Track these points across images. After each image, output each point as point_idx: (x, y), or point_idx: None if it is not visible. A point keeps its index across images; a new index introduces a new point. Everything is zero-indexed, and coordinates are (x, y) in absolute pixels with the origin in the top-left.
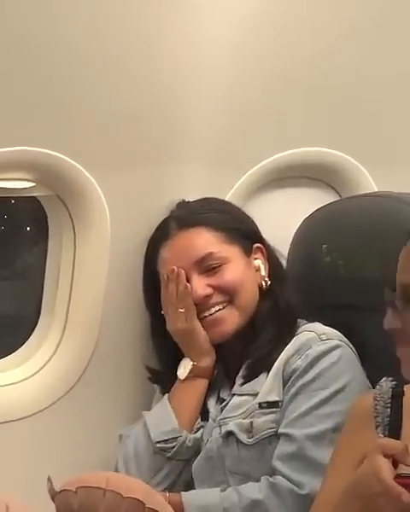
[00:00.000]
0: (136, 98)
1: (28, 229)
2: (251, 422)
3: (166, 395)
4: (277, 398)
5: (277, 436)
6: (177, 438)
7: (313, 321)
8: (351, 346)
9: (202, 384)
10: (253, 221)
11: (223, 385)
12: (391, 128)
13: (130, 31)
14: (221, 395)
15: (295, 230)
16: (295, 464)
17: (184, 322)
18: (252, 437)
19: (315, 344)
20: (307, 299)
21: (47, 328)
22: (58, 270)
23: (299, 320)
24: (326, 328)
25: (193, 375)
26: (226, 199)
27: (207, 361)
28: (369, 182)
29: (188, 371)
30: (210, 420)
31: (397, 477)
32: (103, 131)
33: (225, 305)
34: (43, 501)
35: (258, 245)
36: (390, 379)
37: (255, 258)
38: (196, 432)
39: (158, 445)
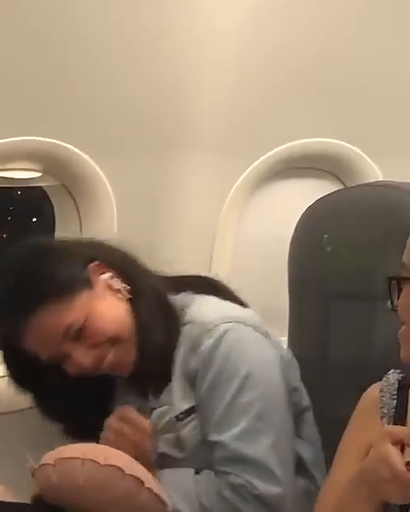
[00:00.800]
0: (143, 88)
1: (34, 219)
2: (177, 436)
3: None
4: (190, 405)
5: (204, 441)
6: None
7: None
8: (245, 319)
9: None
10: (78, 244)
11: (138, 403)
12: (397, 119)
13: (138, 23)
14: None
15: None
16: (237, 467)
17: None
18: (183, 451)
19: (204, 338)
20: (308, 288)
21: None
22: None
23: (183, 295)
24: (210, 307)
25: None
26: (233, 189)
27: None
28: (375, 172)
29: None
30: None
31: (407, 464)
32: (110, 121)
33: (111, 349)
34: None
35: (92, 265)
36: (398, 371)
37: (101, 275)
38: None
39: None
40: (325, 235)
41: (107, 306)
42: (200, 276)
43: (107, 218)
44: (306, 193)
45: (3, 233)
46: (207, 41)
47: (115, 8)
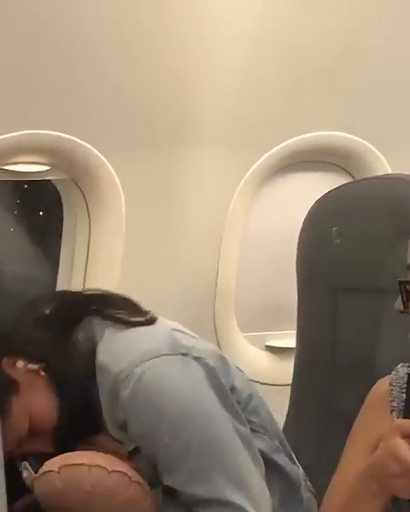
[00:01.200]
0: (151, 82)
1: (41, 213)
2: (136, 468)
3: None
4: (133, 447)
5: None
6: None
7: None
8: (156, 346)
9: None
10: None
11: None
12: (406, 112)
13: (146, 15)
14: None
15: None
16: (203, 509)
17: None
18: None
19: (120, 389)
20: (317, 281)
21: None
22: (73, 253)
23: (88, 326)
24: (119, 349)
25: None
26: (242, 182)
27: None
28: (384, 166)
29: None
30: None
31: None
32: (118, 114)
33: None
34: None
35: (6, 361)
36: (408, 365)
37: (15, 365)
38: None
39: None
40: (334, 229)
41: (22, 403)
42: (101, 295)
43: (115, 211)
44: (314, 186)
45: (10, 227)
46: (215, 35)
47: (123, 2)
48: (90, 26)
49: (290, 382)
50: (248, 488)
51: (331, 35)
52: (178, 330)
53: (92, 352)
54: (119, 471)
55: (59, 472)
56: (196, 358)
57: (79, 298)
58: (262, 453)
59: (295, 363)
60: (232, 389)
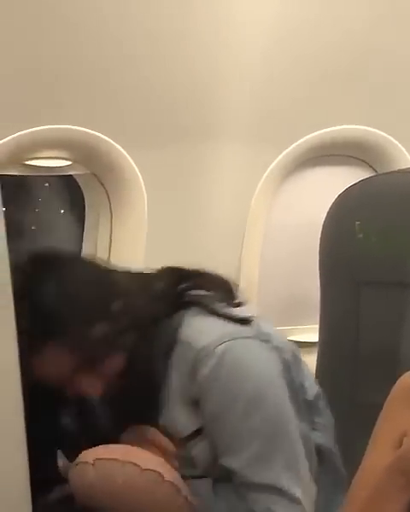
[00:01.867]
0: (173, 77)
1: (62, 211)
2: (190, 457)
3: None
4: (196, 427)
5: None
6: None
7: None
8: (237, 330)
9: None
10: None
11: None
12: None
13: (168, 12)
14: None
15: None
16: (254, 494)
17: None
18: (196, 469)
19: (200, 365)
20: (339, 275)
21: None
22: (95, 248)
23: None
24: (204, 327)
25: None
26: (264, 177)
27: None
28: (407, 159)
29: None
30: None
31: None
32: (140, 110)
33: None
34: None
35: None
36: None
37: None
38: None
39: None
40: (357, 223)
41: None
42: (201, 274)
43: (137, 206)
44: (337, 180)
45: (32, 225)
46: (237, 33)
47: (149, 1)
48: (115, 24)
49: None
50: (302, 480)
51: (352, 29)
52: (261, 318)
53: (179, 325)
54: (151, 470)
55: (93, 464)
56: (275, 348)
57: (184, 274)
58: (321, 452)
59: (317, 357)
60: (301, 386)
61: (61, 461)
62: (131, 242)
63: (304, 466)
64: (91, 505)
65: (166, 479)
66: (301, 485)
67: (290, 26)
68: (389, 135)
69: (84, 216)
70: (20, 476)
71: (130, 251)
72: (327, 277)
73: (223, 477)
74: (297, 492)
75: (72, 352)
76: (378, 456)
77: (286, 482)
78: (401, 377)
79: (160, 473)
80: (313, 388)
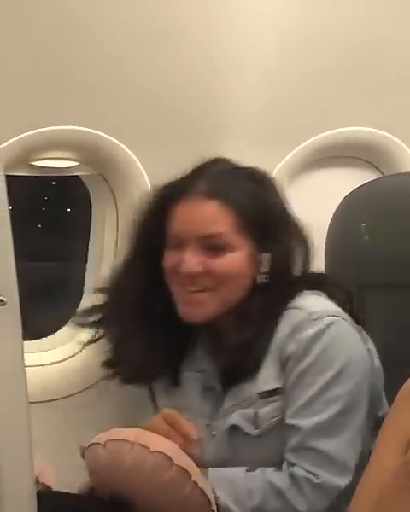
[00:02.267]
0: (180, 77)
1: (69, 210)
2: (255, 412)
3: None
4: (277, 386)
5: (283, 423)
6: None
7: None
8: (345, 317)
9: None
10: (283, 208)
11: (207, 369)
12: None
13: (176, 10)
14: (207, 382)
15: None
16: (305, 455)
17: None
18: (258, 427)
19: (307, 326)
20: (346, 276)
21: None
22: (102, 248)
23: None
24: (316, 300)
25: None
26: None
27: None
28: None
29: None
30: (196, 415)
31: None
32: (146, 110)
33: (208, 289)
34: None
35: (273, 239)
36: None
37: (264, 252)
38: None
39: None
40: (363, 224)
41: (245, 267)
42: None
43: None
44: (343, 182)
45: (38, 223)
46: (246, 28)
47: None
48: (122, 24)
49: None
50: (355, 459)
51: (361, 31)
52: None
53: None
54: (160, 452)
55: (104, 445)
56: (364, 340)
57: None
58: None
59: None
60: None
61: (81, 442)
62: None
63: (358, 452)
64: (104, 486)
65: (175, 463)
66: (353, 465)
67: (298, 26)
68: (396, 137)
69: (90, 213)
70: (26, 478)
71: None
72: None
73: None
74: (351, 467)
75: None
76: (385, 459)
77: (346, 455)
78: (408, 380)
79: (168, 456)
80: (380, 384)
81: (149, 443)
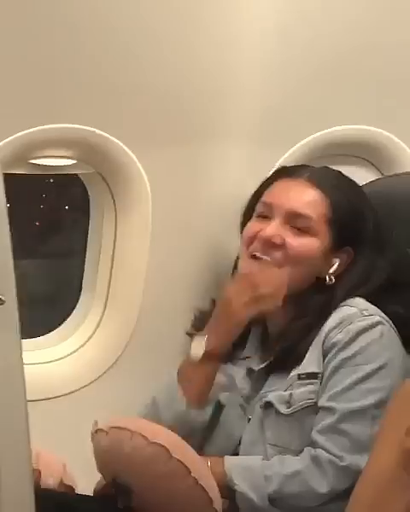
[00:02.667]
0: (178, 75)
1: (67, 208)
2: (290, 394)
3: (176, 373)
4: (316, 370)
5: (315, 407)
6: (183, 420)
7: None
8: (392, 324)
9: (213, 366)
10: (369, 228)
11: (254, 356)
12: None
13: (172, 9)
14: (251, 366)
15: None
16: (335, 438)
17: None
18: (290, 407)
19: (357, 319)
20: None
21: (88, 305)
22: (99, 247)
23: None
24: (368, 304)
25: (206, 358)
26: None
27: (221, 345)
28: None
29: (201, 354)
30: (236, 393)
31: None
32: (145, 109)
33: (277, 264)
34: (87, 475)
35: (349, 248)
36: None
37: (336, 257)
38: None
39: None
40: None
41: (317, 258)
42: None
43: (142, 205)
44: None
45: (36, 221)
46: (243, 29)
47: (153, 1)
48: (121, 23)
49: None
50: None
51: (358, 28)
52: None
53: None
54: (158, 444)
55: (107, 433)
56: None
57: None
58: None
59: None
60: None
61: (93, 427)
62: (135, 240)
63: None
64: (107, 471)
65: (173, 455)
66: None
67: (294, 26)
68: (394, 135)
69: (88, 211)
70: (24, 477)
71: (134, 248)
72: None
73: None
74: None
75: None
76: (384, 455)
77: (368, 438)
78: (406, 380)
79: (166, 448)
80: None
81: (148, 433)
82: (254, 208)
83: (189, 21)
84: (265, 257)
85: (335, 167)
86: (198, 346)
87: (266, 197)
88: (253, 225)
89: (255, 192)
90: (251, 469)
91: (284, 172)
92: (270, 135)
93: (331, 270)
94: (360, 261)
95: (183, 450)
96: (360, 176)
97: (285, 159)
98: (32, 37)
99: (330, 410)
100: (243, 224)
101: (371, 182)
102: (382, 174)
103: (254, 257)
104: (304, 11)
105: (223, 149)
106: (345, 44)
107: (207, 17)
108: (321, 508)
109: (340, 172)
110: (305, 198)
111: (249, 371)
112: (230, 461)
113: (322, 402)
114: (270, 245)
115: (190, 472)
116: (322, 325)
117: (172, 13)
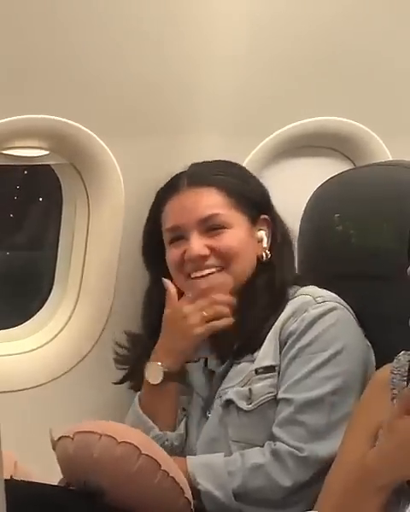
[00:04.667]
0: (151, 66)
1: (41, 198)
2: (249, 389)
3: (137, 401)
4: (273, 363)
5: (276, 401)
6: (163, 443)
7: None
8: (349, 308)
9: (175, 386)
10: (266, 191)
11: (210, 356)
12: (408, 98)
13: (146, 5)
14: (209, 367)
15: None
16: (293, 429)
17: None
18: (251, 403)
19: (311, 307)
20: (318, 267)
21: (60, 296)
22: (72, 238)
23: (295, 285)
24: (322, 291)
25: (168, 379)
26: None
27: (180, 364)
28: (385, 152)
29: (161, 378)
30: (195, 395)
31: None
32: (118, 100)
33: (219, 269)
34: (56, 468)
35: (265, 216)
36: (409, 352)
37: (260, 230)
38: (179, 424)
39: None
40: (336, 215)
41: (247, 242)
42: None
43: (115, 196)
44: (315, 172)
45: (10, 213)
46: (213, 22)
47: None
48: (93, 14)
49: None
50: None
51: (331, 20)
52: None
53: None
54: (127, 442)
55: (73, 438)
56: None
57: None
58: None
59: None
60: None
61: (51, 435)
62: (107, 232)
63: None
64: (75, 478)
65: (142, 452)
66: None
67: (268, 16)
68: (367, 127)
69: (61, 203)
70: None
71: (106, 240)
72: (306, 269)
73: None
74: (336, 442)
75: None
76: (353, 447)
77: (329, 431)
78: (380, 369)
79: (136, 446)
80: None
81: (116, 434)
82: (154, 245)
83: (161, 13)
84: (205, 271)
85: (308, 159)
86: (154, 370)
87: (167, 224)
88: (173, 252)
89: (148, 230)
90: (213, 467)
91: (164, 194)
92: (243, 126)
93: (265, 244)
94: (276, 220)
95: (152, 447)
96: (334, 167)
97: (258, 150)
98: (2, 27)
99: (287, 401)
100: (150, 262)
101: (342, 172)
102: (354, 165)
103: (195, 277)
104: (277, 3)
105: (196, 140)
106: (318, 37)
107: (180, 9)
108: (286, 500)
109: (206, 161)
110: (201, 201)
111: (209, 372)
112: (192, 461)
113: (280, 394)
114: (201, 259)
115: (160, 466)
116: (277, 315)
117: (144, 4)
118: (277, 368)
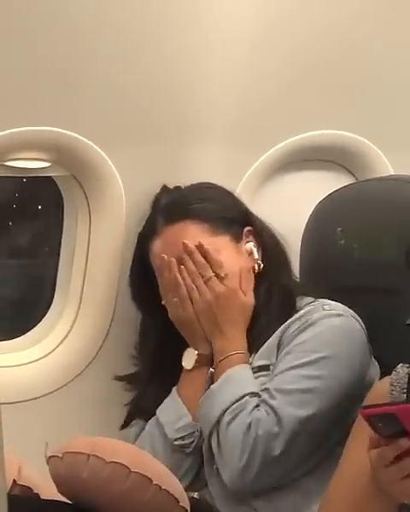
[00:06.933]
0: (153, 77)
1: (40, 208)
2: None
3: (175, 388)
4: (266, 362)
5: None
6: (193, 432)
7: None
8: (359, 320)
9: (206, 372)
10: (243, 205)
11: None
12: (408, 111)
13: (145, 6)
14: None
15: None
16: (265, 409)
17: (181, 311)
18: None
19: (316, 311)
20: (321, 281)
21: (62, 307)
22: (73, 249)
23: (305, 297)
24: (332, 302)
25: (199, 364)
26: (243, 180)
27: (208, 349)
28: (385, 165)
29: (194, 361)
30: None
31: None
32: (120, 111)
33: None
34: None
35: (248, 228)
36: (407, 365)
37: (247, 242)
38: None
39: (176, 443)
40: (339, 229)
41: (238, 260)
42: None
43: (116, 207)
44: (315, 185)
45: (9, 221)
46: (218, 31)
47: (125, 0)
48: (92, 24)
49: None
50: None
51: (332, 33)
52: None
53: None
54: (116, 462)
55: (62, 458)
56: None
57: None
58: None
59: None
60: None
61: (45, 451)
62: (109, 243)
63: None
64: (68, 496)
65: (132, 470)
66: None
67: (270, 30)
68: (369, 141)
69: (62, 211)
70: None
71: (108, 251)
72: (308, 283)
73: None
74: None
75: None
76: (354, 460)
77: (290, 420)
78: (379, 382)
79: (125, 465)
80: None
81: (105, 453)
82: (142, 287)
83: (163, 21)
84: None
85: (309, 172)
86: (189, 357)
87: (157, 263)
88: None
89: (134, 272)
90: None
91: (145, 238)
92: (246, 138)
93: (256, 256)
94: (261, 228)
95: (142, 461)
96: (335, 181)
97: (260, 162)
98: (4, 39)
99: (266, 389)
100: (141, 305)
101: (344, 186)
102: (356, 179)
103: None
104: (281, 15)
105: (198, 152)
106: (322, 50)
107: (182, 20)
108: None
109: (179, 187)
110: (183, 235)
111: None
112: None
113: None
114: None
115: (151, 481)
116: (284, 320)
117: (145, 12)
118: (271, 367)
